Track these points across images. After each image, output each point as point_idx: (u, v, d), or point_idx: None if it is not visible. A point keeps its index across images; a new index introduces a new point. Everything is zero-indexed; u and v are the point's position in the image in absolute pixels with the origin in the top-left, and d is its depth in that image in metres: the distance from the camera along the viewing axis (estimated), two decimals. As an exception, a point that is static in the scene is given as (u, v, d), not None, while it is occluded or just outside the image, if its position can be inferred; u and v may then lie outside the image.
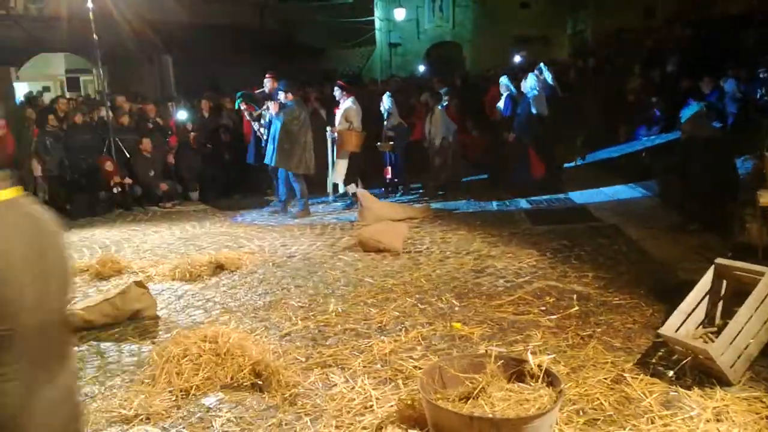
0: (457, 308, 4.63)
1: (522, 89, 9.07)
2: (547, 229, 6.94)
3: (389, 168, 9.32)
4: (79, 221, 8.87)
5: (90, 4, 9.64)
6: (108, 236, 7.90)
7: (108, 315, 4.67)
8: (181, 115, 10.59)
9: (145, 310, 4.84)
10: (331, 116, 9.45)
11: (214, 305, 5.09)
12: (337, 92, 9.02)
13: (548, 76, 9.55)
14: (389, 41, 21.72)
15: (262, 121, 8.78)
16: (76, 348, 4.31)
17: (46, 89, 15.99)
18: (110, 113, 9.87)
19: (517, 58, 17.36)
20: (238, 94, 9.37)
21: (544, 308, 4.51)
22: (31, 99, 12.31)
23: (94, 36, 9.78)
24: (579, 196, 8.53)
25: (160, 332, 4.57)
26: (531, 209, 8.08)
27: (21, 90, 14.66)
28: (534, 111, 8.76)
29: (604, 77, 12.19)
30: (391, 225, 6.88)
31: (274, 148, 8.20)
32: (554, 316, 4.33)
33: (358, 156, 8.91)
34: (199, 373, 3.57)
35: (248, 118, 9.07)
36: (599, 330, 4.07)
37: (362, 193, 7.82)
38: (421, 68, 20.53)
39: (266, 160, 8.45)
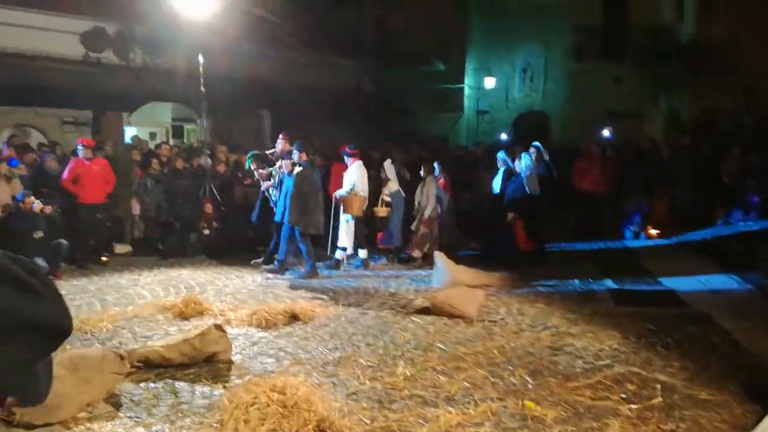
0: (530, 386, 4.46)
1: (516, 168, 9.25)
2: (631, 310, 6.60)
3: (381, 234, 9.39)
4: (169, 261, 9.32)
5: (201, 59, 10.41)
6: (194, 277, 8.25)
7: (186, 355, 4.83)
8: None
9: (221, 354, 4.97)
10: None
11: (285, 355, 5.16)
12: (345, 157, 8.91)
13: (545, 154, 9.82)
14: (477, 108, 21.99)
15: (272, 181, 8.86)
16: (152, 384, 4.47)
17: (153, 135, 17.21)
18: (209, 161, 10.45)
19: (606, 132, 17.10)
20: (249, 153, 9.62)
21: (624, 395, 4.26)
22: (137, 143, 13.26)
23: (202, 89, 10.50)
24: (667, 279, 8.11)
25: (233, 377, 4.67)
26: (615, 288, 7.75)
27: (130, 134, 15.87)
28: (528, 190, 8.99)
29: (699, 157, 11.76)
30: (466, 291, 6.81)
31: (286, 206, 8.22)
32: (635, 406, 4.08)
33: (360, 220, 8.93)
34: (265, 423, 3.60)
35: (257, 177, 9.12)
36: (683, 425, 3.79)
37: (440, 255, 7.80)
38: (504, 136, 20.61)
39: (276, 218, 8.46)
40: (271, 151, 9.19)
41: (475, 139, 19.94)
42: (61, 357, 4.52)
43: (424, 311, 6.51)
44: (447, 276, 7.49)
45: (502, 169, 9.52)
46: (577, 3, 20.17)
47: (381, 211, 9.21)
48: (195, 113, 15.78)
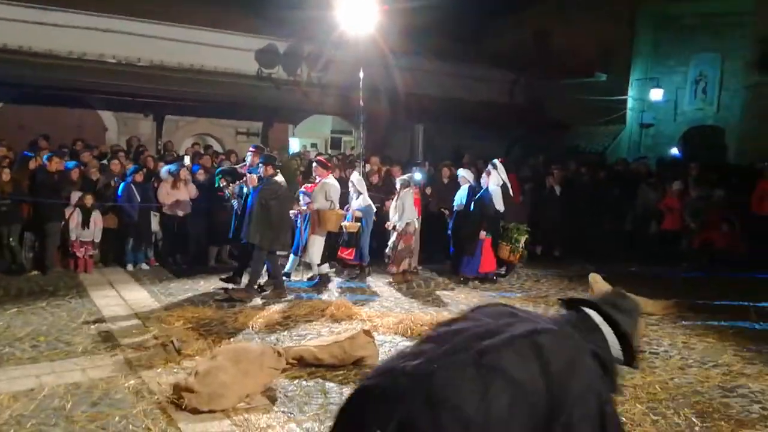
0: (697, 428, 4.04)
1: (483, 184, 8.94)
2: (823, 354, 5.77)
3: (352, 250, 8.82)
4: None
5: (361, 75, 10.84)
6: (347, 282, 8.57)
7: (336, 357, 5.01)
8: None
9: (368, 359, 5.08)
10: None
11: (430, 367, 5.14)
12: (315, 169, 8.59)
13: (502, 173, 9.00)
14: (641, 121, 20.60)
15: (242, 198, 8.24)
16: (304, 382, 4.68)
17: (314, 146, 18.21)
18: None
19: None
20: (217, 170, 9.18)
21: (814, 452, 3.71)
22: (299, 153, 14.10)
23: (360, 103, 10.93)
24: None
25: (378, 384, 4.73)
26: (801, 327, 6.81)
27: (293, 144, 16.94)
28: (497, 207, 8.63)
29: None
30: (624, 317, 6.34)
31: (248, 222, 7.58)
32: (828, 466, 3.53)
33: (330, 235, 8.58)
34: None
35: (227, 194, 8.62)
36: None
37: (595, 277, 7.37)
38: (675, 151, 19.06)
39: (242, 235, 7.74)
40: (241, 164, 8.85)
41: (638, 153, 18.73)
42: (225, 348, 4.89)
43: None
44: (602, 299, 7.04)
45: (465, 186, 9.13)
46: (762, 13, 18.13)
47: (351, 226, 8.75)
48: (352, 125, 16.50)
